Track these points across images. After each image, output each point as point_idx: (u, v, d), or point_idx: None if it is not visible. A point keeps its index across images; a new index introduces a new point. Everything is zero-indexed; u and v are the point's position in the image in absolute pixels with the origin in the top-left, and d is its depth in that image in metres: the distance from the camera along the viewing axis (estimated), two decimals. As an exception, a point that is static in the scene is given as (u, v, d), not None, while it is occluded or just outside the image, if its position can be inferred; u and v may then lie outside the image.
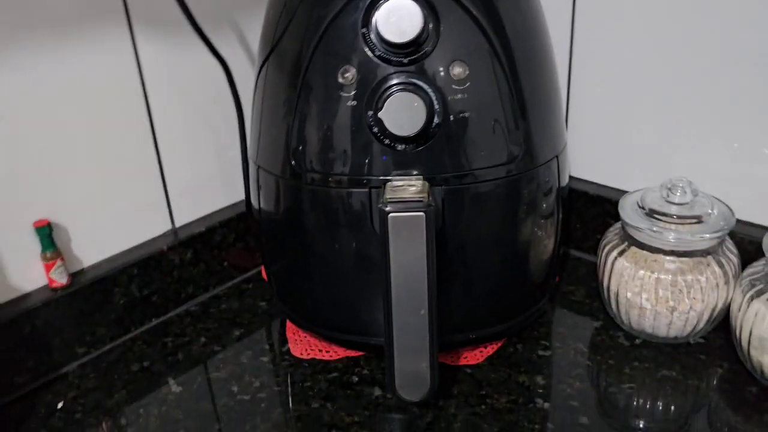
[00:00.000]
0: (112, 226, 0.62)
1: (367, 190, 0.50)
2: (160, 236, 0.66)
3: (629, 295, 0.58)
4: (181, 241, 0.65)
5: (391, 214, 0.45)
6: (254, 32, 0.67)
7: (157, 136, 0.63)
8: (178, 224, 0.68)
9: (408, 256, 0.46)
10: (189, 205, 0.68)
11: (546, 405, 0.54)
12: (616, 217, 0.64)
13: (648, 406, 0.53)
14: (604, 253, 0.61)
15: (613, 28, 0.65)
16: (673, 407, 0.53)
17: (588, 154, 0.71)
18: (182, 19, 0.58)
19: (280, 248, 0.58)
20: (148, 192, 0.64)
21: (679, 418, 0.52)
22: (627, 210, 0.59)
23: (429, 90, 0.48)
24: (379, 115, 0.47)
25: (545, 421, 0.52)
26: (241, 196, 0.71)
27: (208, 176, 0.69)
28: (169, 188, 0.65)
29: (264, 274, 0.72)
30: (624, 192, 0.64)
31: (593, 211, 0.70)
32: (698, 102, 0.62)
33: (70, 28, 0.55)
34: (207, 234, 0.67)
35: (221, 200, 0.71)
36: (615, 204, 0.68)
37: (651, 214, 0.58)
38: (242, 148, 0.61)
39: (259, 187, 0.57)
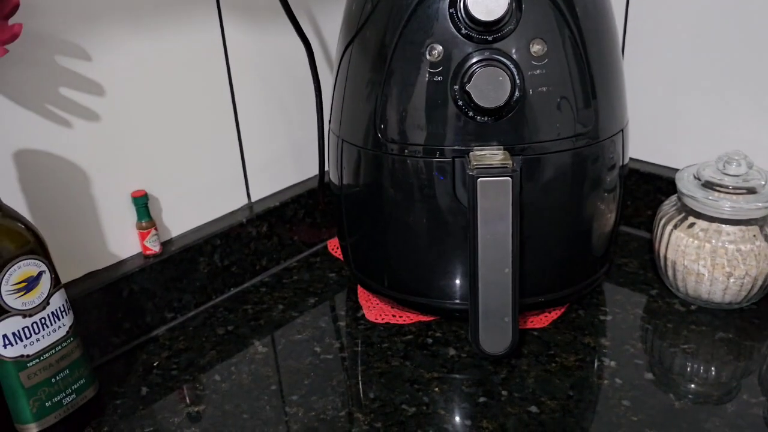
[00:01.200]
0: (196, 199, 0.66)
1: (450, 159, 0.54)
2: (238, 210, 0.70)
3: (686, 262, 0.62)
4: (257, 215, 0.69)
5: (480, 179, 0.49)
6: (328, 18, 0.71)
7: (239, 116, 0.67)
8: (253, 199, 0.71)
9: (494, 217, 0.50)
10: (264, 181, 0.72)
11: (612, 363, 0.57)
12: (667, 194, 0.67)
13: (708, 364, 0.57)
14: (660, 225, 0.65)
15: (667, 8, 0.68)
16: (732, 365, 0.56)
17: (641, 133, 0.74)
18: (265, 7, 0.61)
19: (360, 218, 0.62)
20: (229, 168, 0.68)
21: (738, 374, 0.56)
22: (684, 182, 0.63)
23: (511, 66, 0.51)
24: (467, 88, 0.51)
25: (613, 377, 0.56)
26: (309, 174, 0.75)
27: (281, 154, 0.72)
28: (247, 165, 0.69)
29: (330, 249, 0.76)
30: (675, 170, 0.67)
31: (644, 189, 0.74)
32: (747, 83, 0.65)
33: (166, 13, 0.59)
34: (280, 209, 0.71)
35: (292, 177, 0.74)
36: (666, 181, 0.72)
37: (707, 185, 0.61)
38: (319, 125, 0.65)
39: (341, 160, 0.61)
